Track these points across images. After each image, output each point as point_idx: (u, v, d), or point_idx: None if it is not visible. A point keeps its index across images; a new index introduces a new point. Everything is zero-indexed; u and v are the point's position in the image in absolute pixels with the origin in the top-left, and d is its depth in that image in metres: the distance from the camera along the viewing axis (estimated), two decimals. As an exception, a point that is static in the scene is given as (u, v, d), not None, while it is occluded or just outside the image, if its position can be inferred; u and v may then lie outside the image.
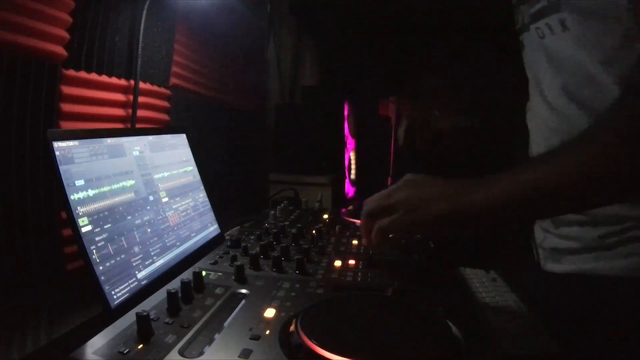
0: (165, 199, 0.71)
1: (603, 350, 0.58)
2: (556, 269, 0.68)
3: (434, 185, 0.55)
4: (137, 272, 0.58)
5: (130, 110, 0.90)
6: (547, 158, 0.50)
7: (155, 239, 0.65)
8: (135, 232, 0.61)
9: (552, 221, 0.68)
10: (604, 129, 0.47)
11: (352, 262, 0.67)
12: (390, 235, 0.59)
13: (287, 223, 0.85)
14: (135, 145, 0.69)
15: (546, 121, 0.64)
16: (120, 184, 0.61)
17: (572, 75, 0.59)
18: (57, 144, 0.53)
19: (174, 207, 0.73)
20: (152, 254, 0.62)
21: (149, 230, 0.64)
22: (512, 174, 0.50)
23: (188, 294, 0.52)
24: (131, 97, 0.90)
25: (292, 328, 0.43)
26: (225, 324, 0.46)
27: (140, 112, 0.93)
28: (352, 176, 2.34)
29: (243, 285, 0.56)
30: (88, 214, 0.53)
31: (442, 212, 0.52)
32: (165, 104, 1.06)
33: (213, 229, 0.83)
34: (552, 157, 0.50)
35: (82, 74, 0.77)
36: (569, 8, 0.57)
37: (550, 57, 0.63)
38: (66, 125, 0.73)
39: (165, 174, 0.74)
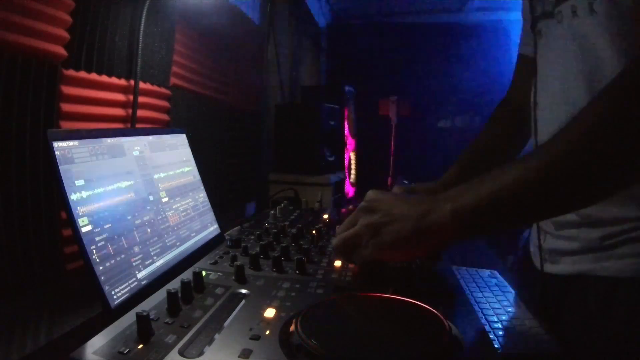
0: (165, 199, 0.71)
1: (602, 350, 0.58)
2: (554, 271, 0.67)
3: (396, 205, 0.53)
4: (137, 272, 0.58)
5: (130, 110, 0.90)
6: (516, 163, 0.48)
7: (155, 239, 0.65)
8: (135, 232, 0.61)
9: (553, 223, 0.67)
10: (571, 128, 0.45)
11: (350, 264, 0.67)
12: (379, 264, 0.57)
13: (287, 223, 0.85)
14: (135, 145, 0.69)
15: (560, 115, 0.60)
16: (120, 184, 0.61)
17: (594, 63, 0.56)
18: (57, 144, 0.53)
19: (174, 207, 0.73)
20: (152, 254, 0.62)
21: (149, 230, 0.64)
22: (478, 183, 0.48)
23: (188, 294, 0.52)
24: (131, 97, 0.90)
25: (292, 328, 0.43)
26: (225, 324, 0.46)
27: (140, 112, 0.93)
28: (352, 178, 2.34)
29: (243, 285, 0.56)
30: (88, 214, 0.53)
31: (407, 232, 0.50)
32: (165, 104, 1.06)
33: (213, 229, 0.83)
34: (520, 161, 0.48)
35: (82, 74, 0.77)
36: None
37: (570, 42, 0.60)
38: (66, 125, 0.73)
39: (165, 174, 0.74)
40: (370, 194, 0.57)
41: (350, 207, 1.05)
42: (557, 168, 0.44)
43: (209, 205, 0.86)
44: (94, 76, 0.80)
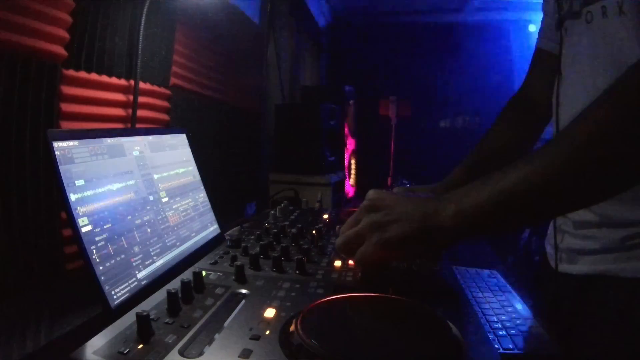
0: (165, 199, 0.71)
1: (622, 352, 0.57)
2: (571, 270, 0.67)
3: (399, 203, 0.53)
4: (137, 272, 0.58)
5: (130, 110, 0.90)
6: (519, 164, 0.47)
7: (155, 239, 0.65)
8: (135, 232, 0.61)
9: (572, 222, 0.67)
10: (575, 128, 0.45)
11: (352, 262, 0.67)
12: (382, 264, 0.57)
13: (287, 223, 0.85)
14: (135, 145, 0.69)
15: None
16: (120, 184, 0.61)
17: (622, 64, 0.54)
18: (57, 144, 0.53)
19: (174, 207, 0.73)
20: (152, 254, 0.62)
21: (149, 230, 0.64)
22: (481, 184, 0.48)
23: (188, 294, 0.52)
24: (131, 97, 0.90)
25: (292, 328, 0.43)
26: (225, 324, 0.46)
27: (140, 112, 0.93)
28: (352, 180, 2.34)
29: (243, 285, 0.56)
30: (88, 214, 0.53)
31: (412, 231, 0.50)
32: (165, 104, 1.06)
33: (213, 229, 0.83)
34: (523, 162, 0.47)
35: (82, 74, 0.77)
36: None
37: (598, 43, 0.59)
38: (66, 125, 0.73)
39: (165, 174, 0.74)
40: (372, 193, 0.56)
41: (350, 209, 1.05)
42: (560, 169, 0.44)
43: (209, 205, 0.86)
44: (94, 76, 0.80)
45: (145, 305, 0.49)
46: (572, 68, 0.67)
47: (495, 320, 0.65)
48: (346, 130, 2.21)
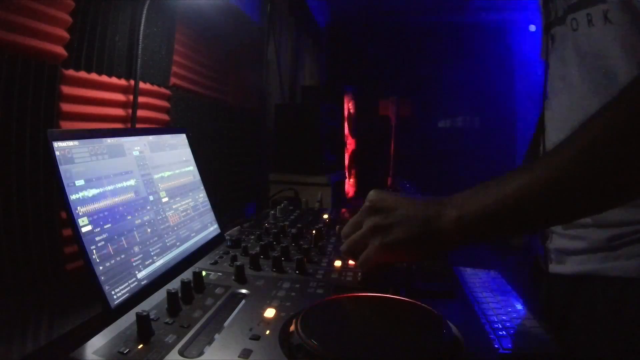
0: (165, 199, 0.71)
1: (612, 351, 0.58)
2: (560, 270, 0.67)
3: (400, 205, 0.52)
4: (137, 272, 0.58)
5: (130, 110, 0.90)
6: (521, 170, 0.47)
7: (155, 239, 0.65)
8: (135, 232, 0.61)
9: None
10: (579, 136, 0.44)
11: (352, 262, 0.67)
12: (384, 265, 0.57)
13: (287, 223, 0.85)
14: (135, 145, 0.69)
15: (572, 121, 0.59)
16: (120, 184, 0.61)
17: (607, 73, 0.56)
18: (57, 144, 0.53)
19: (174, 207, 0.73)
20: (152, 254, 0.62)
21: (149, 230, 0.64)
22: (482, 190, 0.48)
23: (188, 294, 0.52)
24: (131, 97, 0.90)
25: (292, 328, 0.43)
26: (225, 324, 0.46)
27: (140, 112, 0.93)
28: (352, 180, 2.34)
29: (243, 285, 0.56)
30: (88, 214, 0.53)
31: (414, 234, 0.50)
32: (165, 104, 1.06)
33: (213, 229, 0.83)
34: (525, 169, 0.47)
35: (82, 74, 0.77)
36: (615, 0, 0.54)
37: (584, 51, 0.59)
38: (66, 125, 0.73)
39: (165, 174, 0.74)
40: (373, 193, 0.56)
41: (346, 210, 1.05)
42: (563, 177, 0.43)
43: (209, 205, 0.86)
44: (94, 76, 0.80)
45: (145, 305, 0.49)
46: (558, 75, 0.67)
47: (495, 320, 0.65)
48: (346, 130, 2.21)
